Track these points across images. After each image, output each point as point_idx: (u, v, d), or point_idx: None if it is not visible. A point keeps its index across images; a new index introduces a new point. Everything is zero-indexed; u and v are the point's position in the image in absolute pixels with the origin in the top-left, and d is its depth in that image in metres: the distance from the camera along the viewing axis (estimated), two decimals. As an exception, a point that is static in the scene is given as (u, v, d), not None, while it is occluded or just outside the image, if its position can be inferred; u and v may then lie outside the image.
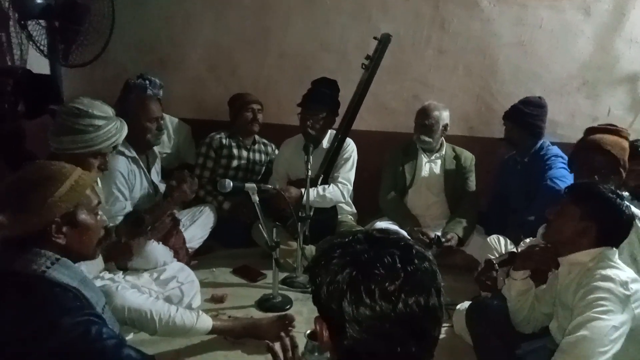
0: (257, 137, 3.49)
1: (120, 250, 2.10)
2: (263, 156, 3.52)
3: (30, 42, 2.91)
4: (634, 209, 1.80)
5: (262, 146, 3.54)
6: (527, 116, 2.95)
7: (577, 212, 1.72)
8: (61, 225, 1.34)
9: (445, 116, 3.15)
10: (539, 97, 3.07)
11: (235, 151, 3.38)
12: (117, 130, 2.07)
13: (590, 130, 2.48)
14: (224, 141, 3.36)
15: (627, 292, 1.59)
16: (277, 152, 3.49)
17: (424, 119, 3.14)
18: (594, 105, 3.60)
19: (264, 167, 3.52)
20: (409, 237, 0.99)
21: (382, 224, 3.10)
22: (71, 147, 1.97)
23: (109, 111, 2.08)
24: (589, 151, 2.36)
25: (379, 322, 0.83)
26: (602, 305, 1.56)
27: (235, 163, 3.38)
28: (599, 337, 1.53)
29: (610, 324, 1.54)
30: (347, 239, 0.93)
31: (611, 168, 2.28)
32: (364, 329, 0.84)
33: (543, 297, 1.94)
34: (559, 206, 1.80)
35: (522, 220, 2.84)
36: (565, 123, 3.53)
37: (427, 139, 3.14)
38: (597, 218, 1.70)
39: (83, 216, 1.38)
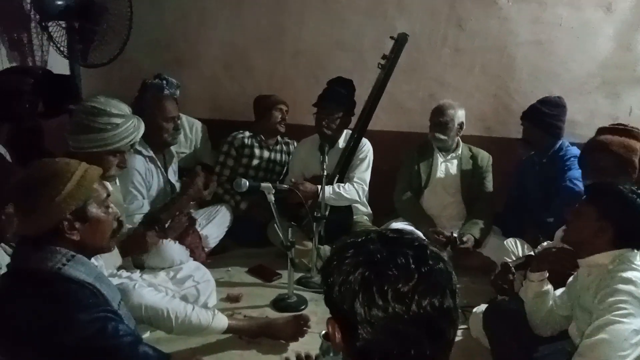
0: (279, 137, 3.50)
1: (135, 242, 2.11)
2: (284, 156, 3.53)
3: (51, 43, 2.94)
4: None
5: (284, 146, 3.54)
6: (545, 116, 2.91)
7: (594, 211, 1.70)
8: (73, 221, 1.35)
9: (460, 114, 3.12)
10: (558, 97, 3.02)
11: (257, 151, 3.39)
12: (135, 128, 2.08)
13: (601, 131, 2.46)
14: (246, 140, 3.37)
15: (647, 296, 1.55)
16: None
17: (439, 117, 3.11)
18: (614, 104, 3.54)
19: (285, 167, 3.52)
20: (425, 238, 0.98)
21: (397, 225, 3.08)
22: (89, 145, 1.98)
23: (126, 109, 2.09)
24: (595, 151, 2.35)
25: (392, 323, 0.82)
26: (622, 309, 1.53)
27: (256, 162, 3.38)
28: (619, 341, 1.50)
29: (630, 328, 1.51)
30: (360, 239, 0.92)
31: (618, 168, 2.25)
32: (376, 330, 0.83)
33: (562, 299, 1.91)
34: (577, 206, 1.77)
35: (540, 222, 2.80)
36: (584, 123, 3.46)
37: (442, 137, 3.11)
38: (614, 217, 1.67)
39: (94, 210, 1.39)
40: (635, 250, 1.68)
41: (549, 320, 1.92)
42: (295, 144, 3.53)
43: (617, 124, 2.45)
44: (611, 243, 1.69)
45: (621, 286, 1.57)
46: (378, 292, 0.83)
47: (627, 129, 2.37)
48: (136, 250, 2.14)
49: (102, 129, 1.99)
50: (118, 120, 2.02)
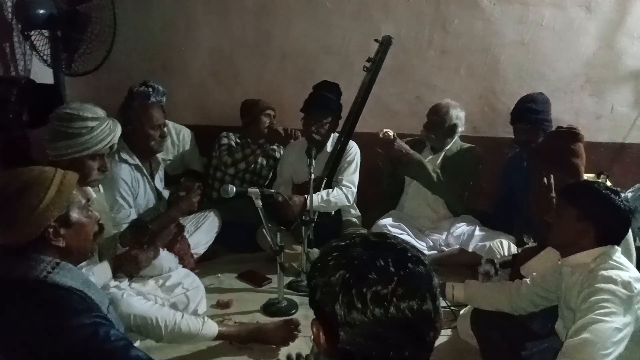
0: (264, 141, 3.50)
1: (128, 261, 2.11)
2: (271, 160, 3.53)
3: (34, 52, 2.94)
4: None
5: (270, 151, 3.55)
6: (538, 114, 2.96)
7: (574, 212, 1.71)
8: (58, 228, 1.34)
9: (453, 115, 3.10)
10: (540, 93, 3.08)
11: (243, 154, 3.38)
12: (111, 129, 2.06)
13: (551, 134, 2.58)
14: (233, 143, 3.38)
15: (629, 293, 1.57)
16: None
17: (429, 115, 3.15)
18: (598, 102, 3.58)
19: (271, 172, 3.53)
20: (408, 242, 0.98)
21: (385, 221, 3.10)
22: (68, 152, 1.97)
23: (100, 112, 2.07)
24: (542, 154, 2.48)
25: (371, 326, 0.83)
26: (604, 307, 1.55)
27: (242, 166, 3.38)
28: (602, 340, 1.52)
29: (612, 326, 1.53)
30: (344, 242, 0.93)
31: (563, 171, 2.32)
32: (356, 332, 0.84)
33: (540, 282, 1.93)
34: (556, 209, 1.79)
35: (528, 220, 2.82)
36: (569, 121, 3.44)
37: (429, 135, 3.13)
38: (594, 217, 1.69)
39: (76, 215, 1.39)
40: (616, 247, 1.70)
41: (517, 302, 1.96)
42: (283, 148, 3.53)
43: (567, 128, 2.48)
44: (594, 241, 1.70)
45: (603, 285, 1.58)
46: (357, 294, 0.84)
47: (573, 132, 2.40)
48: (129, 270, 2.13)
49: (77, 133, 1.97)
50: (92, 124, 2.00)
